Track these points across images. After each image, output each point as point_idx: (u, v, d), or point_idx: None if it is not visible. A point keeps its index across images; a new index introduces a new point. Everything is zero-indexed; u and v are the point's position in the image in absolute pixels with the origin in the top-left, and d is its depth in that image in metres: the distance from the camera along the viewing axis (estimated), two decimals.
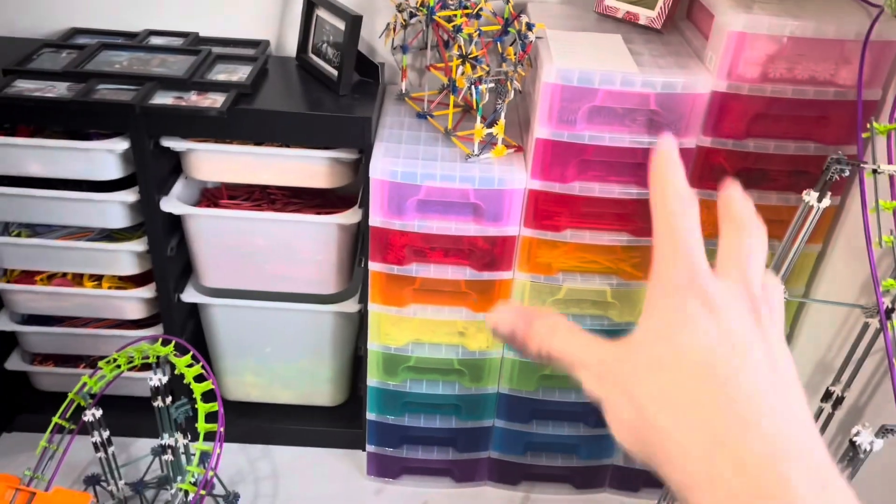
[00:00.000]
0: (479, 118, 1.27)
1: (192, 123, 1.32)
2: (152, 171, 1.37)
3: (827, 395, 1.21)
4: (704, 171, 1.27)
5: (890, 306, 0.98)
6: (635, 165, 1.27)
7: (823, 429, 1.25)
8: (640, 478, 1.66)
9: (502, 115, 1.28)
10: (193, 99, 1.31)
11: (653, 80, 1.19)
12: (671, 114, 1.22)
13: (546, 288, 1.40)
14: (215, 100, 1.30)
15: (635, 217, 1.33)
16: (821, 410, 1.23)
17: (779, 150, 1.24)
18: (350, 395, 1.77)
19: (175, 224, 1.49)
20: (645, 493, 1.67)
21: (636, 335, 0.36)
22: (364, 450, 1.65)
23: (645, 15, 1.36)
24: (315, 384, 1.70)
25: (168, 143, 1.36)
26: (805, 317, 1.43)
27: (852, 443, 0.82)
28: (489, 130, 1.29)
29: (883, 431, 0.82)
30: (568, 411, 1.58)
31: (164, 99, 1.30)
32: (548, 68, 1.19)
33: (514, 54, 1.23)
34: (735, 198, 0.41)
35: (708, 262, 0.38)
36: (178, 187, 1.46)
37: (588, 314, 1.44)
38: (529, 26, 1.24)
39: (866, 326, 1.13)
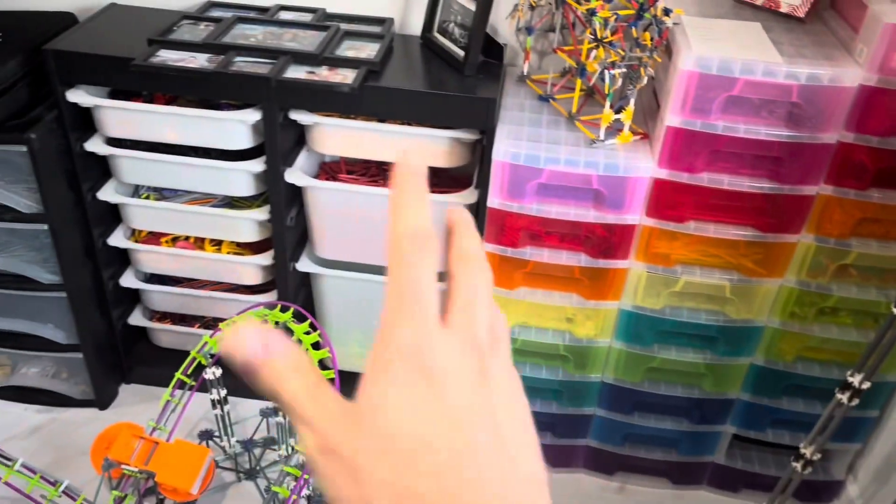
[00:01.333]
0: (608, 103, 1.26)
1: (322, 98, 1.35)
2: (279, 143, 1.41)
3: None
4: (843, 168, 1.22)
5: None
6: (769, 159, 1.23)
7: None
8: (742, 479, 1.63)
9: (632, 101, 1.25)
10: (325, 74, 1.34)
11: (797, 71, 1.14)
12: (813, 107, 1.17)
13: (662, 279, 1.38)
14: (346, 76, 1.33)
15: (763, 212, 1.29)
16: None
17: None
18: None
19: (295, 195, 1.53)
20: (745, 493, 1.64)
21: (360, 406, 0.31)
22: None
23: (787, 2, 1.31)
24: None
25: (297, 115, 1.40)
26: None
27: None
28: (617, 116, 1.27)
29: None
30: (672, 405, 1.55)
31: (297, 73, 1.33)
32: (686, 55, 1.17)
33: (650, 39, 1.20)
34: (462, 233, 0.36)
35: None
36: (301, 159, 1.50)
37: (703, 308, 1.41)
38: (666, 11, 1.21)
39: None
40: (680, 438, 1.59)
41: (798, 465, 1.27)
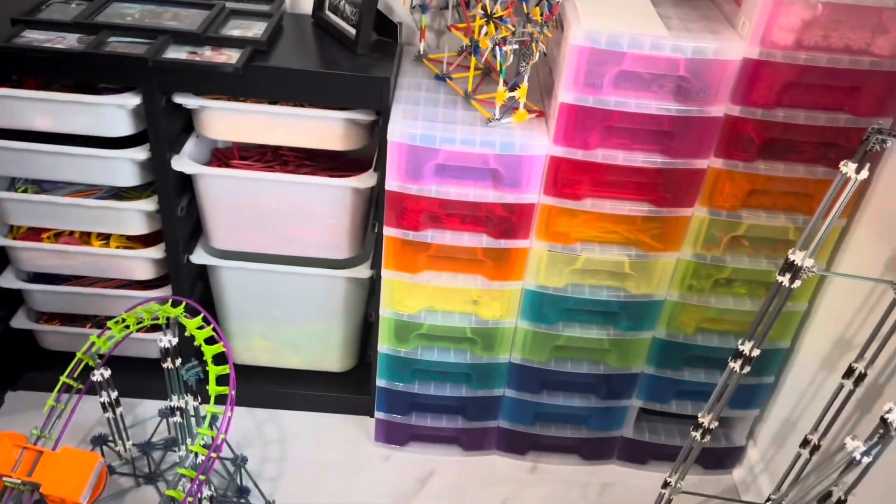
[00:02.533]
0: (501, 81, 1.24)
1: (206, 80, 1.28)
2: (164, 129, 1.34)
3: (849, 372, 1.19)
4: (731, 140, 1.24)
5: None
6: (661, 133, 1.24)
7: (843, 406, 1.23)
8: (650, 451, 1.66)
9: (525, 78, 1.24)
10: (208, 54, 1.27)
11: (683, 44, 1.15)
12: (700, 80, 1.18)
13: (563, 258, 1.38)
14: (230, 56, 1.26)
15: (658, 187, 1.30)
16: (841, 387, 1.22)
17: (809, 120, 1.21)
18: (359, 362, 1.76)
19: (186, 184, 1.46)
20: (653, 465, 1.67)
21: None
22: (372, 416, 1.64)
23: None
24: (324, 349, 1.69)
25: (181, 99, 1.33)
26: (825, 291, 1.41)
27: (884, 420, 0.81)
28: (511, 94, 1.25)
29: None
30: (579, 382, 1.56)
31: (177, 53, 1.26)
32: (575, 30, 1.16)
33: (541, 15, 1.19)
34: None
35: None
36: (190, 146, 1.43)
37: (605, 285, 1.42)
38: None
39: (895, 302, 1.11)
40: (589, 415, 1.61)
41: (697, 435, 1.30)
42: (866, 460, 0.85)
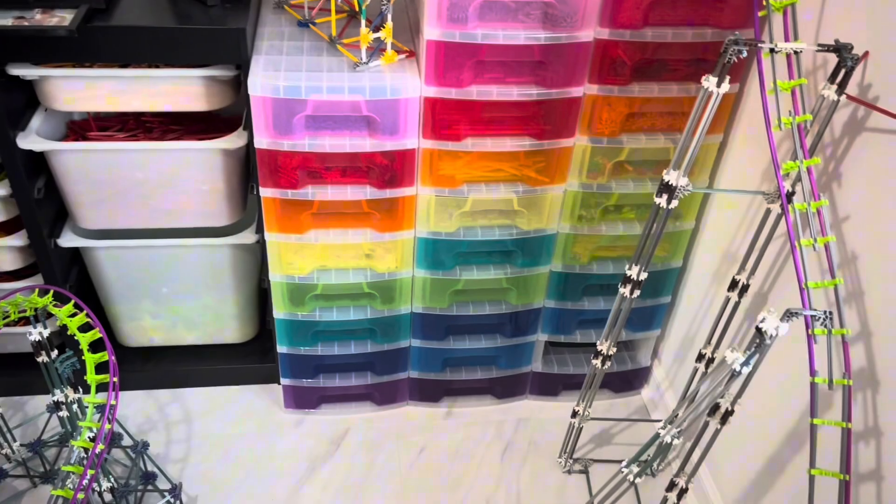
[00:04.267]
0: (363, 22, 1.17)
1: (40, 46, 1.16)
2: (2, 105, 1.22)
3: (733, 285, 1.22)
4: (604, 65, 1.22)
5: (791, 189, 0.97)
6: (533, 64, 1.21)
7: (731, 318, 1.26)
8: (560, 382, 1.68)
9: (389, 16, 1.18)
10: (38, 18, 1.15)
11: None
12: (566, 5, 1.15)
13: (451, 201, 1.34)
14: (63, 17, 1.15)
15: (537, 119, 1.28)
16: (727, 300, 1.25)
17: (677, 38, 1.19)
18: (259, 330, 1.70)
19: (40, 163, 1.34)
20: (564, 395, 1.69)
21: None
22: (279, 383, 1.60)
23: None
24: (220, 321, 1.62)
25: (16, 70, 1.21)
26: (710, 208, 1.43)
27: (758, 329, 0.82)
28: (376, 35, 1.19)
29: (787, 315, 0.81)
30: (484, 324, 1.56)
31: (2, 20, 1.14)
32: None
33: None
34: None
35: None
36: (38, 121, 1.31)
37: (496, 224, 1.40)
38: None
39: (768, 213, 1.13)
40: (497, 354, 1.61)
41: (598, 362, 1.31)
42: (746, 370, 0.86)
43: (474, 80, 1.21)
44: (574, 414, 1.45)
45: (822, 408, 1.03)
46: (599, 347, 1.30)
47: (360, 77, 1.20)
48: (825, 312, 0.86)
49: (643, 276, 1.16)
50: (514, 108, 1.26)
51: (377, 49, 1.22)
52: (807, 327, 0.86)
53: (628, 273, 1.17)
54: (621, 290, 1.20)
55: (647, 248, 1.12)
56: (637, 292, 1.18)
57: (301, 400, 1.60)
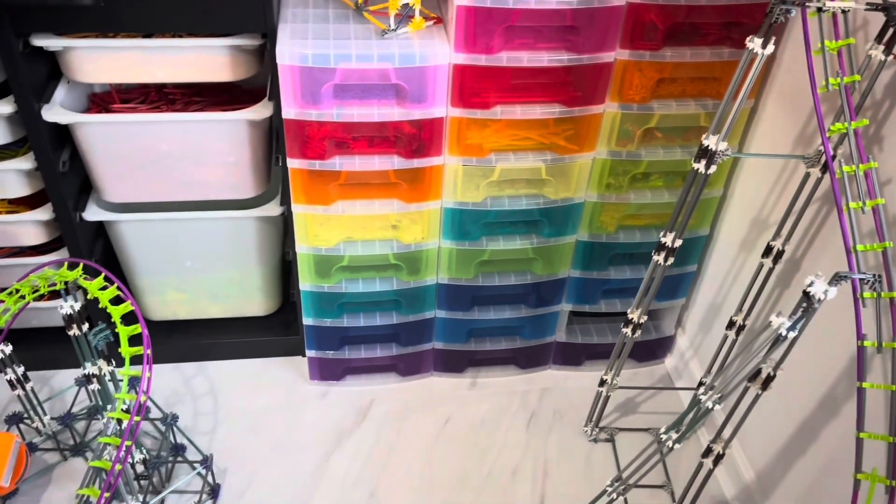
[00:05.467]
0: None
1: (64, 16, 1.15)
2: (26, 76, 1.20)
3: (767, 251, 1.21)
4: (636, 30, 1.20)
5: (833, 153, 0.96)
6: (564, 29, 1.19)
7: (763, 284, 1.26)
8: (584, 352, 1.68)
9: None
10: None
11: None
12: None
13: (479, 171, 1.33)
14: None
15: (567, 86, 1.26)
16: (761, 266, 1.24)
17: (705, 0, 1.17)
18: (284, 302, 1.70)
19: (65, 135, 1.33)
20: (588, 365, 1.69)
21: None
22: (304, 355, 1.60)
23: None
24: (245, 294, 1.62)
25: (40, 41, 1.19)
26: (738, 175, 1.42)
27: (806, 293, 0.82)
28: (405, 1, 1.17)
29: (836, 279, 0.81)
30: (508, 294, 1.55)
31: None
32: None
33: None
34: None
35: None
36: (61, 93, 1.30)
37: (523, 194, 1.39)
38: None
39: (806, 177, 1.12)
40: (521, 325, 1.61)
41: (628, 330, 1.31)
42: (792, 335, 0.86)
43: (504, 46, 1.20)
44: (602, 382, 1.45)
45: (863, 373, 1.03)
46: (630, 315, 1.30)
47: (388, 44, 1.18)
48: (874, 275, 0.85)
49: (678, 243, 1.15)
50: (544, 75, 1.24)
51: (405, 16, 1.20)
52: (854, 290, 0.85)
53: (663, 240, 1.16)
54: (655, 257, 1.19)
55: (682, 215, 1.11)
56: (671, 259, 1.18)
57: (326, 372, 1.61)
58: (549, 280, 1.53)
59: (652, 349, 1.70)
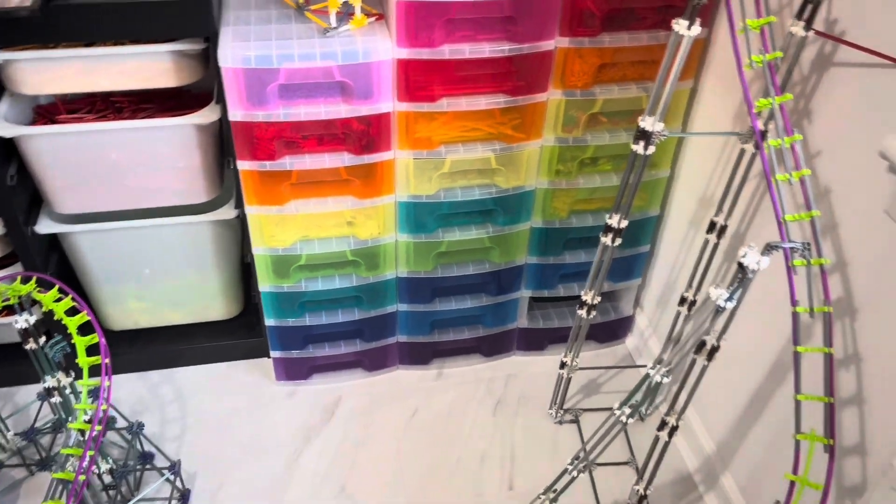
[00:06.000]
0: None
1: (2, 29, 1.14)
2: None
3: (711, 227, 1.25)
4: (574, 17, 1.22)
5: (763, 128, 0.99)
6: (503, 19, 1.21)
7: (710, 260, 1.29)
8: (546, 337, 1.71)
9: None
10: None
11: None
12: None
13: (430, 164, 1.35)
14: None
15: (510, 76, 1.28)
16: (706, 242, 1.28)
17: None
18: (245, 305, 1.70)
19: (11, 149, 1.32)
20: (551, 349, 1.72)
21: None
22: (269, 356, 1.60)
23: None
24: (205, 299, 1.62)
25: None
26: (684, 155, 1.45)
27: (740, 264, 0.85)
28: None
29: (768, 249, 0.84)
30: (468, 284, 1.57)
31: None
32: None
33: None
34: None
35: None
36: (4, 106, 1.29)
37: (475, 184, 1.41)
38: None
39: (742, 154, 1.15)
40: (483, 313, 1.63)
41: (583, 312, 1.34)
42: (730, 305, 0.89)
43: (446, 39, 1.21)
44: (562, 365, 1.48)
45: (804, 338, 1.07)
46: (584, 297, 1.32)
47: (330, 42, 1.19)
48: (804, 244, 0.88)
49: (623, 223, 1.18)
50: (487, 66, 1.26)
51: (346, 13, 1.21)
52: (786, 259, 0.88)
53: (609, 222, 1.19)
54: (603, 239, 1.22)
55: (626, 196, 1.14)
56: (619, 241, 1.20)
57: (292, 371, 1.62)
58: (507, 268, 1.55)
59: (612, 330, 1.74)
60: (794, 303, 0.89)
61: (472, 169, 1.39)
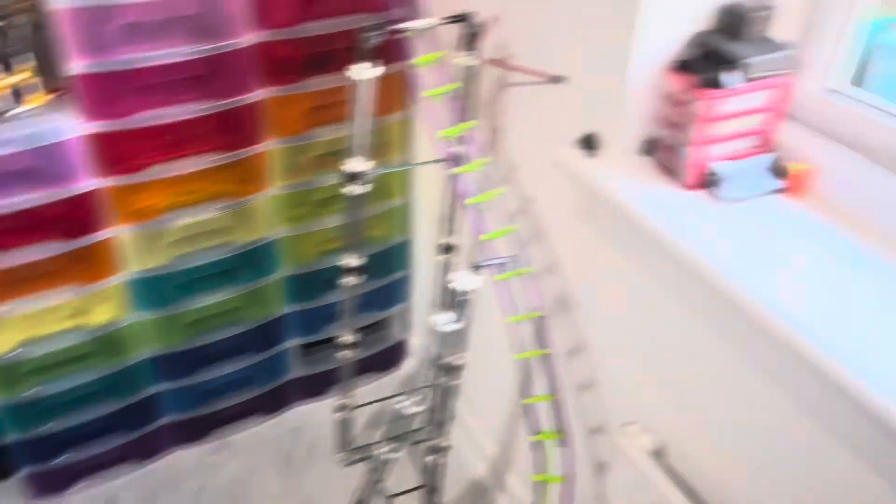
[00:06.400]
0: None
1: None
2: None
3: (447, 247, 1.29)
4: (272, 66, 1.21)
5: (464, 153, 1.04)
6: (198, 79, 1.17)
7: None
8: (325, 380, 1.68)
9: (20, 58, 1.07)
10: None
11: None
12: (216, 13, 1.12)
13: (156, 234, 1.27)
14: None
15: (222, 132, 1.24)
16: (444, 263, 1.32)
17: (330, 28, 1.22)
18: None
19: None
20: (333, 392, 1.69)
21: None
22: (16, 476, 1.42)
23: None
24: None
25: None
26: (417, 182, 1.50)
27: (453, 290, 0.88)
28: (11, 80, 1.08)
29: (475, 269, 0.88)
30: (229, 347, 1.51)
31: None
32: None
33: None
34: None
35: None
36: None
37: (211, 245, 1.35)
38: None
39: (455, 177, 1.21)
40: (253, 373, 1.57)
41: (347, 353, 1.33)
42: (456, 327, 0.92)
43: (139, 107, 1.15)
44: (341, 408, 1.46)
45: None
46: (342, 339, 1.32)
47: (11, 127, 1.08)
48: (510, 257, 0.94)
49: (360, 261, 1.19)
50: (193, 126, 1.21)
51: (22, 94, 1.11)
52: (493, 275, 0.93)
53: (343, 263, 1.19)
54: (344, 280, 1.22)
55: (355, 235, 1.14)
56: (364, 277, 1.21)
57: (49, 485, 1.45)
58: (267, 321, 1.51)
59: (389, 357, 1.75)
60: (509, 314, 0.95)
61: (205, 231, 1.33)
